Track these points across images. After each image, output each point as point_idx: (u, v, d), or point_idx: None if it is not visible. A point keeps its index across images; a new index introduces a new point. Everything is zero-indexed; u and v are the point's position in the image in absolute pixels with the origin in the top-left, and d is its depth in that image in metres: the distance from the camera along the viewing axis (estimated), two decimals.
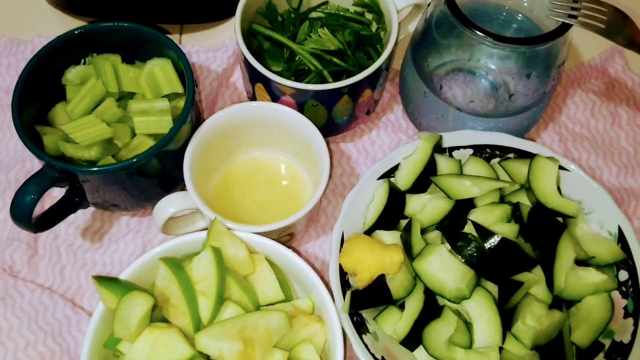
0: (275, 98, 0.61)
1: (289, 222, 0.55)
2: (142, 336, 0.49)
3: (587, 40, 0.75)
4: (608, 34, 0.54)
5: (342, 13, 0.67)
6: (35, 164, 0.66)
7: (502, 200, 0.58)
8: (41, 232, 0.57)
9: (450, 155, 0.62)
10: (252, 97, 0.65)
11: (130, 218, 0.65)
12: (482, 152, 0.62)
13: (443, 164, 0.60)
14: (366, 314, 0.55)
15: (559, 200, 0.57)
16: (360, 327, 0.54)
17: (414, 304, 0.53)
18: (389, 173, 0.60)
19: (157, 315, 0.52)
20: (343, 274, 0.55)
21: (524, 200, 0.57)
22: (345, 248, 0.55)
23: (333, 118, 0.63)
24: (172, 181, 0.61)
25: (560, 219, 0.56)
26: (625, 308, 0.55)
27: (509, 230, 0.54)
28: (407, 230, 0.55)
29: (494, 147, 0.61)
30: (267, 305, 0.54)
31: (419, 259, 0.53)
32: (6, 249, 0.62)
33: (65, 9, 0.76)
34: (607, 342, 0.54)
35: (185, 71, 0.57)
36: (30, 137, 0.54)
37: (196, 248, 0.54)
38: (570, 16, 0.54)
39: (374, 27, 0.67)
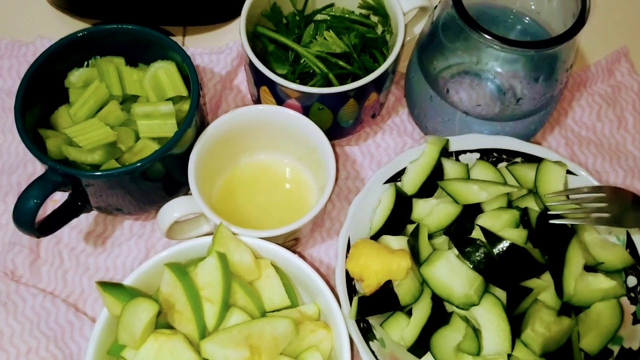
0: (280, 101, 0.61)
1: (295, 227, 0.54)
2: (147, 343, 0.48)
3: (593, 43, 0.75)
4: (619, 223, 0.53)
5: (347, 15, 0.66)
6: (37, 168, 0.66)
7: (510, 205, 0.57)
8: (44, 236, 0.56)
9: (457, 160, 0.61)
10: (257, 100, 0.65)
11: (134, 222, 0.64)
12: (489, 156, 0.61)
13: (450, 168, 0.60)
14: (373, 320, 0.55)
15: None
16: (367, 334, 0.53)
17: (422, 311, 0.52)
18: (395, 177, 0.60)
19: (162, 322, 0.51)
20: (349, 280, 0.55)
21: (532, 205, 0.57)
22: (351, 253, 0.54)
23: (338, 121, 0.62)
24: (176, 185, 0.60)
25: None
26: (634, 314, 0.55)
27: (518, 235, 0.54)
28: (414, 236, 0.55)
29: (500, 151, 0.61)
30: (273, 311, 0.53)
31: (427, 264, 0.53)
32: (8, 253, 0.61)
33: (67, 10, 0.75)
34: (616, 349, 0.54)
35: (189, 74, 0.57)
36: (33, 140, 0.54)
37: (201, 253, 0.54)
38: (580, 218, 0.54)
39: (379, 29, 0.66)
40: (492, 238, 0.52)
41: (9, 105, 0.69)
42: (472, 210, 0.57)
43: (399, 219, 0.58)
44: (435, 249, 0.55)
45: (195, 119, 0.56)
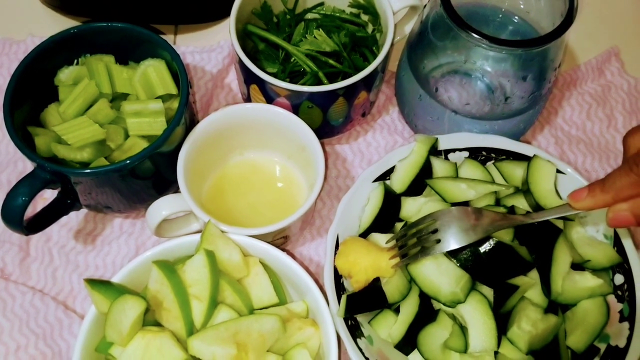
0: (270, 99, 0.61)
1: (284, 225, 0.54)
2: (135, 340, 0.48)
3: (583, 43, 0.75)
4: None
5: (337, 14, 0.66)
6: (27, 166, 0.66)
7: (498, 203, 0.58)
8: (33, 234, 0.56)
9: (446, 158, 0.62)
10: (247, 99, 0.65)
11: (123, 220, 0.64)
12: (478, 154, 0.61)
13: (439, 166, 0.60)
14: (361, 317, 0.55)
15: (557, 202, 0.56)
16: (355, 331, 0.53)
17: (409, 308, 0.53)
18: (385, 175, 0.60)
19: (150, 319, 0.51)
20: (338, 277, 0.55)
21: (519, 203, 0.57)
22: (341, 250, 0.55)
23: (328, 120, 0.62)
24: (166, 183, 0.60)
25: (560, 221, 0.56)
26: (620, 312, 0.55)
27: (504, 233, 0.54)
28: None
29: (489, 150, 0.61)
30: (261, 308, 0.53)
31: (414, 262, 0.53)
32: None
33: (58, 8, 0.75)
34: (602, 347, 0.54)
35: (179, 72, 0.57)
36: (22, 138, 0.54)
37: (189, 251, 0.54)
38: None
39: (369, 28, 0.67)
40: None
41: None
42: None
43: (387, 216, 0.58)
44: None
45: (184, 117, 0.56)
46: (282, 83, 0.58)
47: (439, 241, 0.51)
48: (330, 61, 0.63)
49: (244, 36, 0.65)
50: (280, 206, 0.63)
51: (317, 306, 0.52)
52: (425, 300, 0.53)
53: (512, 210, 0.55)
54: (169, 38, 0.75)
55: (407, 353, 0.53)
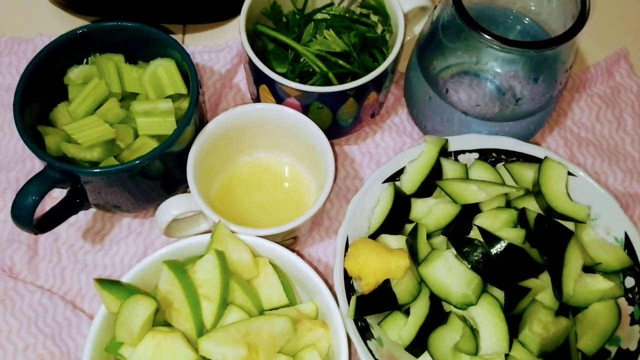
0: (279, 100, 0.61)
1: (294, 226, 0.54)
2: (145, 340, 0.48)
3: (593, 44, 0.75)
4: None
5: (347, 15, 0.66)
6: (36, 164, 0.66)
7: (508, 205, 0.57)
8: (42, 233, 0.56)
9: (456, 160, 0.61)
10: (256, 99, 0.65)
11: (132, 220, 0.64)
12: (488, 156, 0.61)
13: (449, 168, 0.60)
14: (371, 319, 0.54)
15: (569, 204, 0.56)
16: (365, 333, 0.53)
17: (420, 310, 0.52)
18: (394, 177, 0.60)
19: (160, 319, 0.51)
20: (347, 279, 0.55)
21: (530, 205, 0.57)
22: (350, 252, 0.54)
23: (338, 120, 0.62)
24: (175, 183, 0.60)
25: (571, 224, 0.55)
26: (631, 315, 0.55)
27: (515, 235, 0.54)
28: (413, 235, 0.55)
29: (499, 152, 0.61)
30: (270, 309, 0.53)
31: (425, 264, 0.53)
32: (6, 250, 0.61)
33: (67, 7, 0.75)
34: (613, 350, 0.54)
35: (189, 72, 0.57)
36: (32, 137, 0.54)
37: (199, 251, 0.54)
38: None
39: (379, 29, 0.66)
40: (490, 238, 0.52)
41: (8, 102, 0.69)
42: (470, 210, 0.57)
43: (397, 218, 0.58)
44: (433, 248, 0.55)
45: (194, 117, 0.56)
46: (292, 83, 0.58)
47: None
48: (340, 62, 0.62)
49: (253, 36, 0.64)
50: (289, 207, 0.63)
51: (326, 307, 0.52)
52: (436, 302, 0.53)
53: (523, 212, 0.55)
54: (177, 38, 0.75)
55: (417, 355, 0.52)
